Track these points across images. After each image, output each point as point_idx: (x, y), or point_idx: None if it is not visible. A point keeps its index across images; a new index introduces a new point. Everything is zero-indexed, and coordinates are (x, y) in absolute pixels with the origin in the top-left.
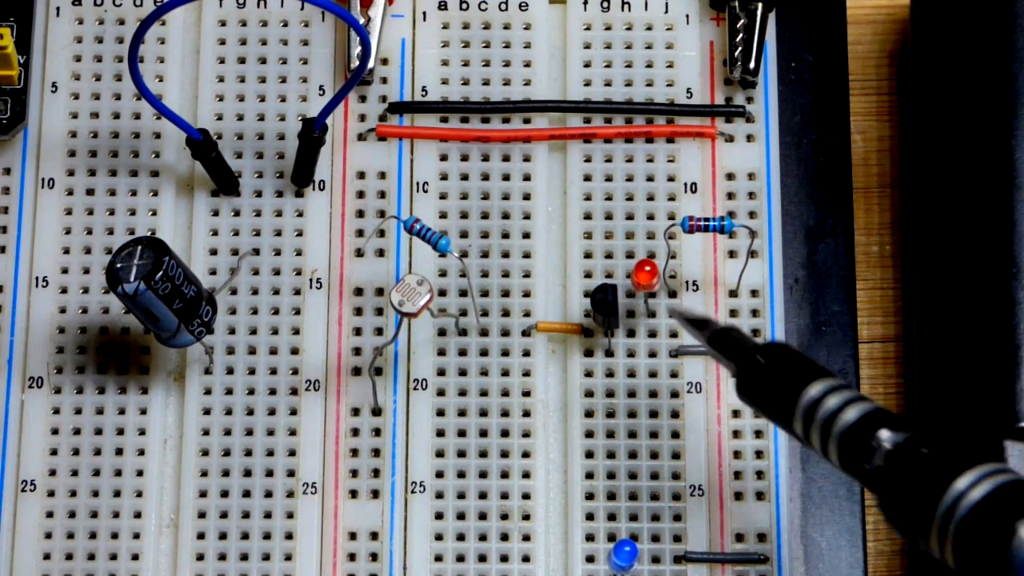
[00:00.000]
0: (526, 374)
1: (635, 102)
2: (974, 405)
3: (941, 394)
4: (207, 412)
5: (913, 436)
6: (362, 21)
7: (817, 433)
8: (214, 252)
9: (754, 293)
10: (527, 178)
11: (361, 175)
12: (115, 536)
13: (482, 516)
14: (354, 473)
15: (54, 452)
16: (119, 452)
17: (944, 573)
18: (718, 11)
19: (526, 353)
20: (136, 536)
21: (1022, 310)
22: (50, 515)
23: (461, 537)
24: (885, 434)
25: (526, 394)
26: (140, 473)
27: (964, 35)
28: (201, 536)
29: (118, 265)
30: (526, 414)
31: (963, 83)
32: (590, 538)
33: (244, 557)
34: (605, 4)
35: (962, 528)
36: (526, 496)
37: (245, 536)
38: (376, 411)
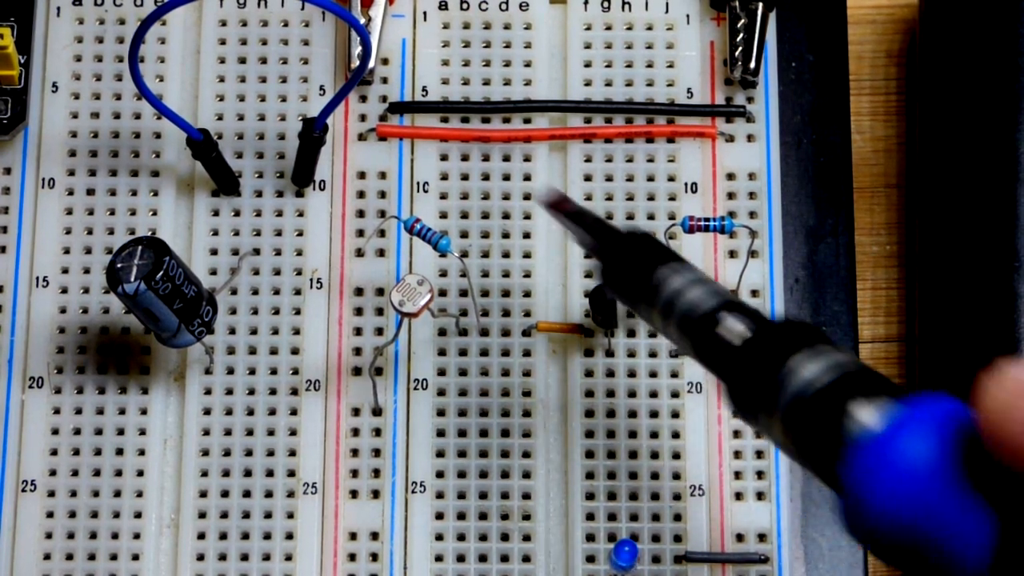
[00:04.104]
0: (526, 374)
1: (635, 102)
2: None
3: (941, 390)
4: (207, 412)
5: (754, 321)
6: (363, 21)
7: (674, 322)
8: (214, 252)
9: (755, 293)
10: (528, 178)
11: (361, 175)
12: (115, 536)
13: (482, 516)
14: (354, 473)
15: (54, 452)
16: (119, 452)
17: None
18: (718, 11)
19: (526, 353)
20: (136, 536)
21: None
22: (50, 515)
23: (461, 537)
24: (735, 319)
25: (526, 394)
26: (140, 473)
27: (974, 31)
28: (201, 536)
29: (118, 265)
30: (526, 414)
31: (971, 80)
32: (590, 538)
33: (244, 557)
34: (605, 4)
35: (797, 409)
36: (526, 496)
37: (245, 536)
38: (376, 411)
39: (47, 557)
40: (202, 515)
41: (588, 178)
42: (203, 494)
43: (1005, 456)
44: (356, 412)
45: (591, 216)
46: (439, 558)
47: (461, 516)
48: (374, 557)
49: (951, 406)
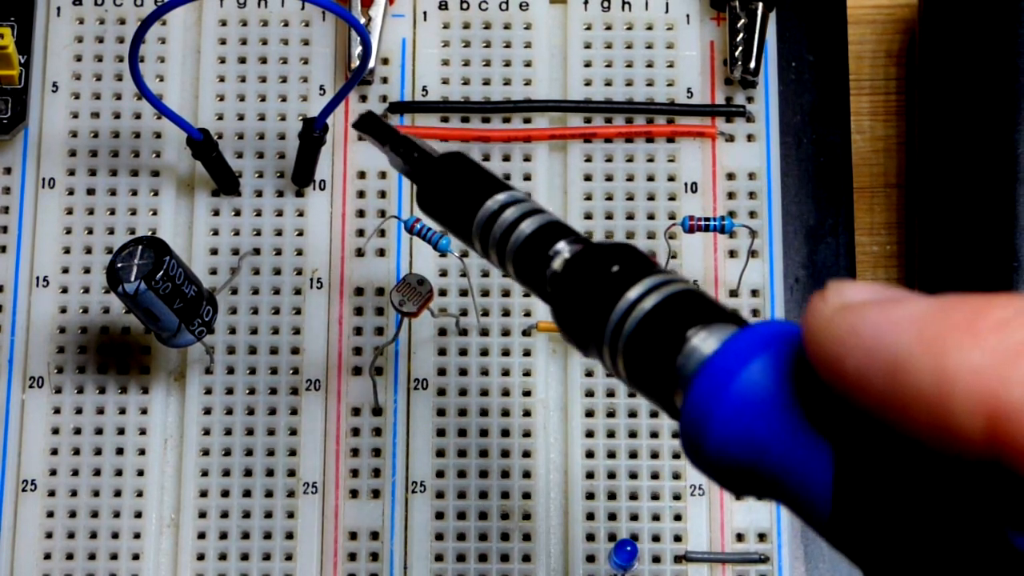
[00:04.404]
0: (527, 374)
1: (635, 102)
2: None
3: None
4: (208, 412)
5: (588, 247)
6: (363, 21)
7: (494, 247)
8: (215, 252)
9: (754, 293)
10: (528, 178)
11: (362, 175)
12: (116, 536)
13: (483, 516)
14: (354, 473)
15: (54, 452)
16: (120, 452)
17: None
18: (718, 11)
19: (527, 353)
20: (137, 536)
21: None
22: (50, 515)
23: (462, 537)
24: (562, 244)
25: (527, 394)
26: (141, 473)
27: (973, 31)
28: (202, 536)
29: (118, 265)
30: (527, 414)
31: (971, 80)
32: (590, 538)
33: (245, 557)
34: (605, 4)
35: (634, 339)
36: (527, 496)
37: (246, 536)
38: (377, 411)
39: (47, 557)
40: (202, 515)
41: (588, 178)
42: (203, 494)
43: (830, 378)
44: (356, 412)
45: (403, 136)
46: (439, 558)
47: (461, 516)
48: (374, 557)
49: (785, 327)
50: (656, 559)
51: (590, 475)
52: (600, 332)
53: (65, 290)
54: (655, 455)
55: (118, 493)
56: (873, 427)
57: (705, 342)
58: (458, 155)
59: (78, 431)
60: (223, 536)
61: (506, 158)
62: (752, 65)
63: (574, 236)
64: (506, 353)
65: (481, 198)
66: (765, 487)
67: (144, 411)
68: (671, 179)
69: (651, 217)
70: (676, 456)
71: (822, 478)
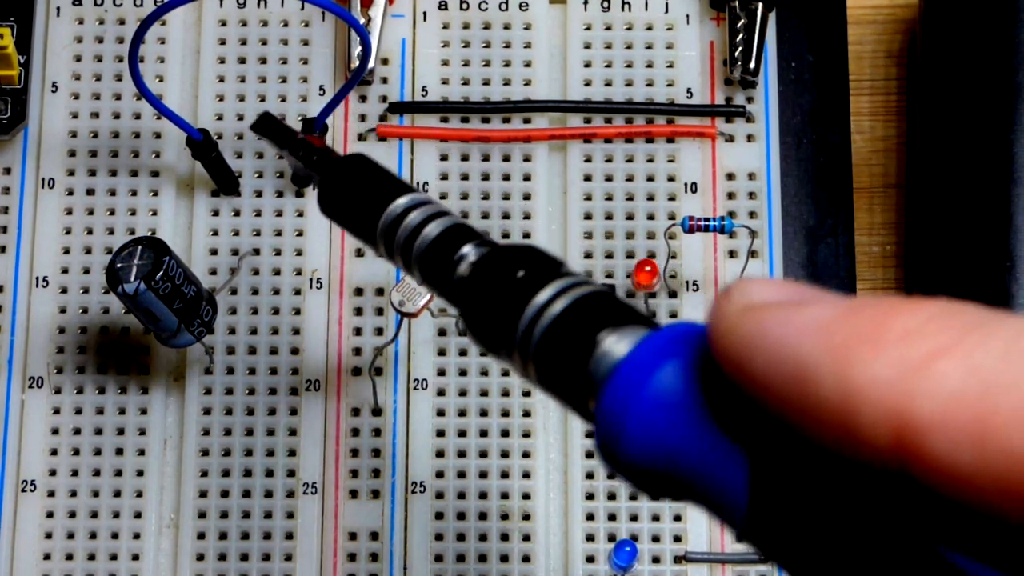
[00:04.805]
0: None
1: (635, 102)
2: None
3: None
4: (207, 412)
5: (495, 251)
6: (362, 21)
7: (399, 251)
8: (214, 252)
9: None
10: (527, 178)
11: None
12: (115, 536)
13: (482, 516)
14: (354, 473)
15: (54, 452)
16: (119, 452)
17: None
18: (718, 11)
19: None
20: (136, 536)
21: (1017, 304)
22: (50, 515)
23: (461, 537)
24: (468, 248)
25: (526, 394)
26: (140, 473)
27: (974, 32)
28: (201, 536)
29: (118, 265)
30: (526, 414)
31: (971, 80)
32: (590, 538)
33: (244, 557)
34: (605, 4)
35: (544, 342)
36: (526, 496)
37: (245, 536)
38: (376, 411)
39: (47, 557)
40: (202, 515)
41: (588, 178)
42: (203, 494)
43: (738, 381)
44: (356, 412)
45: (301, 139)
46: (439, 558)
47: (461, 516)
48: (374, 557)
49: (697, 329)
50: (656, 559)
51: (590, 475)
52: (510, 337)
53: (65, 290)
54: None
55: (118, 493)
56: (786, 430)
57: (616, 345)
58: (359, 156)
59: (78, 431)
60: (223, 536)
61: (506, 158)
62: (752, 65)
63: (480, 239)
64: None
65: (385, 201)
66: (681, 490)
67: (144, 411)
68: (671, 179)
69: (651, 217)
70: None
71: (737, 482)
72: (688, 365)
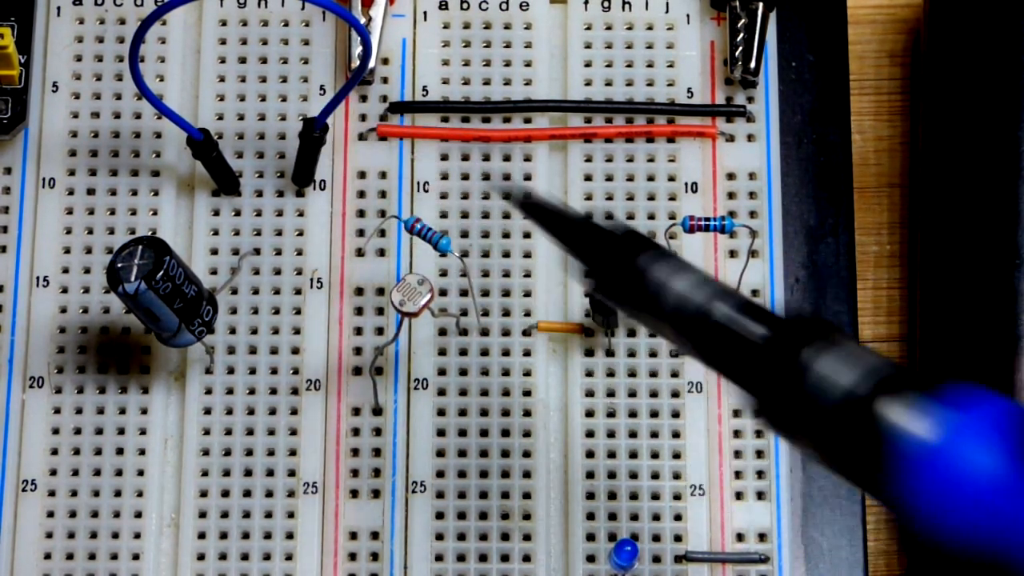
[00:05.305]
0: (527, 374)
1: (636, 102)
2: None
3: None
4: (208, 412)
5: (779, 330)
6: (363, 21)
7: (686, 329)
8: (215, 252)
9: (755, 293)
10: (528, 178)
11: (362, 175)
12: (116, 536)
13: (483, 516)
14: (355, 473)
15: (55, 452)
16: (120, 452)
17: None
18: (719, 11)
19: (527, 353)
20: (137, 536)
21: None
22: (51, 515)
23: (462, 537)
24: (753, 326)
25: (527, 394)
26: (141, 473)
27: (979, 31)
28: (202, 536)
29: (119, 265)
30: (527, 414)
31: (976, 79)
32: (591, 538)
33: (245, 557)
34: (606, 4)
35: (828, 418)
36: (527, 496)
37: (246, 536)
38: (377, 411)
39: (47, 557)
40: (202, 515)
41: (588, 178)
42: (203, 494)
43: None
44: (356, 412)
45: (568, 216)
46: (439, 558)
47: (461, 516)
48: (374, 557)
49: (1003, 407)
50: (656, 559)
51: (590, 475)
52: (801, 415)
53: (65, 290)
54: (655, 455)
55: (118, 493)
56: None
57: (920, 425)
58: (627, 231)
59: (78, 431)
60: (223, 536)
61: (506, 158)
62: (752, 65)
63: (767, 317)
64: (506, 353)
65: (658, 274)
66: (997, 570)
67: (144, 411)
68: (671, 179)
69: (651, 217)
70: (676, 456)
71: None
72: (1002, 443)
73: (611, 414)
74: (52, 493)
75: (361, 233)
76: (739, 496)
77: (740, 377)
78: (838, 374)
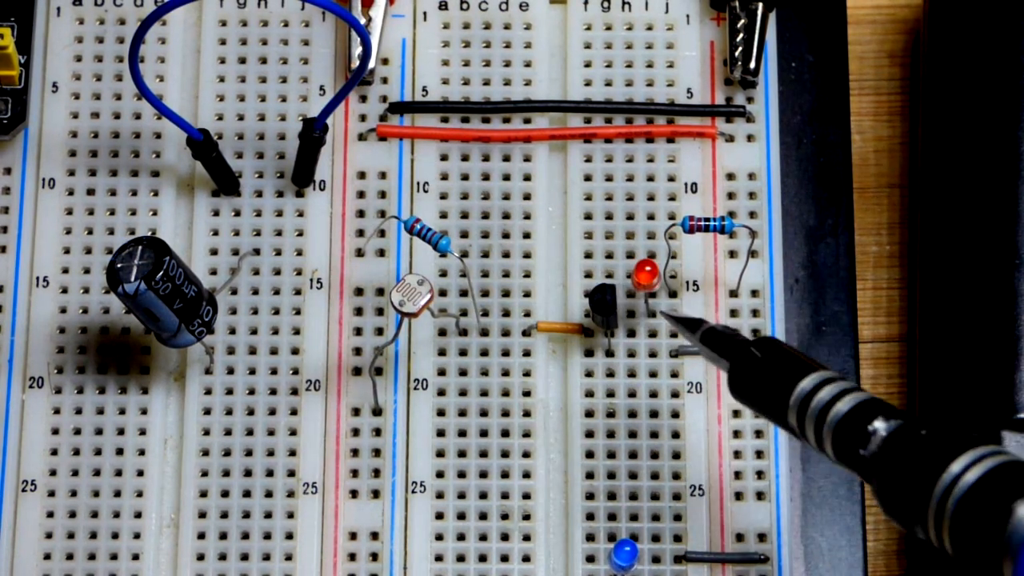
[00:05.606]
0: (526, 374)
1: (635, 102)
2: (974, 396)
3: (942, 388)
4: (207, 412)
5: (907, 423)
6: (363, 21)
7: (811, 425)
8: (214, 252)
9: (754, 293)
10: (527, 178)
11: (362, 175)
12: (115, 536)
13: (482, 516)
14: (354, 473)
15: (54, 452)
16: (119, 452)
17: (941, 569)
18: (718, 11)
19: (526, 353)
20: (136, 536)
21: None
22: (50, 515)
23: (461, 537)
24: (879, 423)
25: (526, 394)
26: (140, 473)
27: (980, 31)
28: (201, 536)
29: (119, 265)
30: (526, 414)
31: (976, 79)
32: (590, 538)
33: (244, 557)
34: (605, 4)
35: (959, 511)
36: (526, 496)
37: (245, 536)
38: (376, 411)
39: (47, 557)
40: (202, 515)
41: (588, 178)
42: (203, 494)
43: None
44: (356, 412)
45: (718, 331)
46: (439, 558)
47: (461, 516)
48: (374, 557)
49: None
50: (656, 559)
51: (590, 475)
52: (924, 508)
53: (65, 290)
54: (655, 455)
55: (118, 493)
56: None
57: None
58: (771, 339)
59: (78, 431)
60: (223, 536)
61: (506, 158)
62: (752, 65)
63: (890, 412)
64: (506, 353)
65: (796, 378)
66: None
67: (144, 411)
68: (671, 179)
69: (651, 217)
70: (676, 456)
71: None
72: None
73: (611, 414)
74: (52, 493)
75: (361, 233)
76: (739, 496)
77: (860, 466)
78: (965, 470)
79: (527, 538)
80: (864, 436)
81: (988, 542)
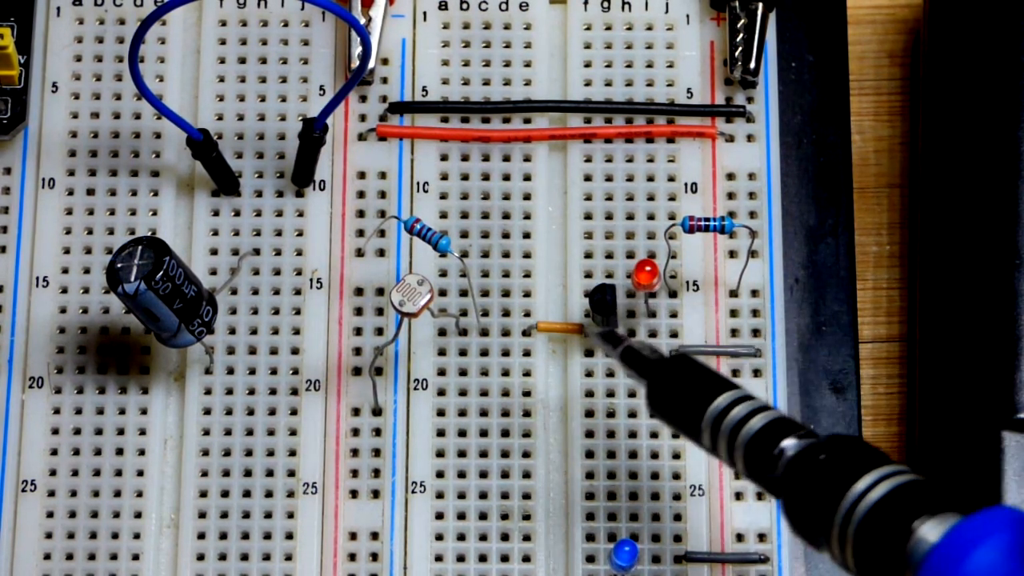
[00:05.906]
0: (526, 374)
1: (635, 102)
2: (974, 396)
3: (942, 388)
4: (207, 412)
5: (814, 444)
6: (363, 21)
7: (724, 443)
8: (214, 252)
9: (754, 293)
10: (527, 178)
11: (361, 175)
12: (115, 536)
13: (482, 516)
14: (354, 473)
15: (54, 452)
16: (119, 452)
17: None
18: (718, 11)
19: (526, 353)
20: (136, 536)
21: None
22: (50, 515)
23: (461, 537)
24: (788, 442)
25: (526, 394)
26: (140, 473)
27: (980, 31)
28: (201, 536)
29: (118, 265)
30: (526, 414)
31: (976, 79)
32: (590, 538)
33: (244, 557)
34: (605, 4)
35: (861, 529)
36: (526, 496)
37: (245, 536)
38: (376, 411)
39: (47, 557)
40: (202, 515)
41: (588, 178)
42: (203, 494)
43: None
44: (356, 412)
45: (627, 345)
46: (439, 558)
47: (461, 516)
48: (374, 557)
49: (1013, 515)
50: (656, 559)
51: (590, 475)
52: (828, 526)
53: (65, 290)
54: (655, 455)
55: (118, 493)
56: None
57: (931, 532)
58: (684, 356)
59: (78, 431)
60: (223, 536)
61: (506, 158)
62: (752, 65)
63: (801, 431)
64: (506, 353)
65: (710, 397)
66: None
67: (144, 411)
68: (671, 179)
69: (651, 217)
70: (676, 456)
71: None
72: (1004, 546)
73: (611, 414)
74: (52, 493)
75: (361, 233)
76: (739, 496)
77: (769, 483)
78: (869, 489)
79: (527, 538)
80: (773, 455)
81: (889, 561)
